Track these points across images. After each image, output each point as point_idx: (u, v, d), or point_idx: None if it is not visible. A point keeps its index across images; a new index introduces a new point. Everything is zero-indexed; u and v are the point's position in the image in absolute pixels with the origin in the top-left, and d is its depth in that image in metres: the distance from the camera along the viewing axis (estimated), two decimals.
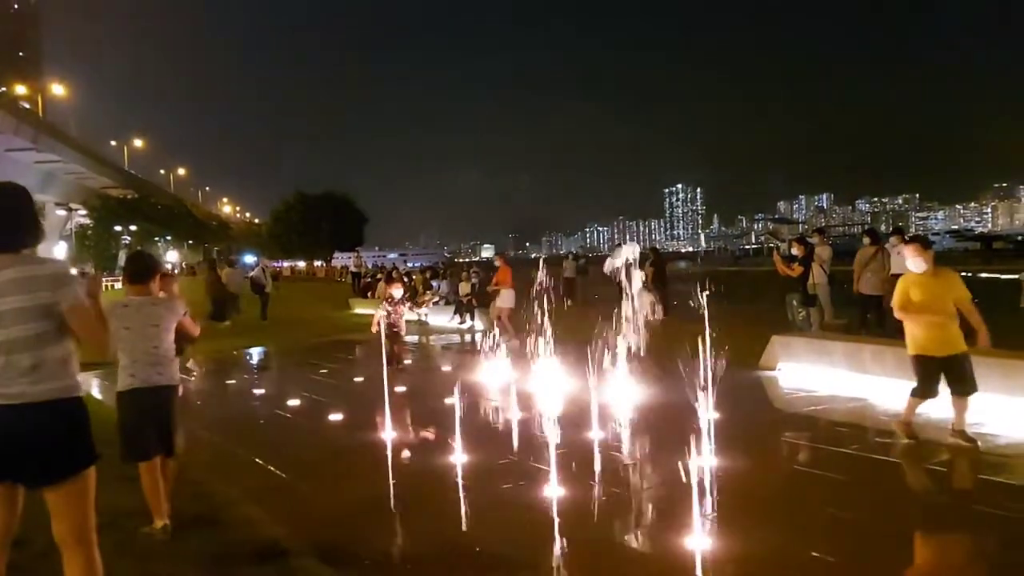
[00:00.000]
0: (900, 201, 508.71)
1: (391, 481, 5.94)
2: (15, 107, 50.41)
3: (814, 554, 4.41)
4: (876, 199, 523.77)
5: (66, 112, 73.30)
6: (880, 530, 4.82)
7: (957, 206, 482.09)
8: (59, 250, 55.55)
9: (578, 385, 8.00)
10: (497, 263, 17.78)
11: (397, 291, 11.48)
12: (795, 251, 13.11)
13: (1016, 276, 17.55)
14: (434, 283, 24.27)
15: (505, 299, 16.10)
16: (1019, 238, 56.98)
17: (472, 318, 19.47)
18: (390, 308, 11.02)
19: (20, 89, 64.61)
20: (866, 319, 12.36)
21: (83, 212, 60.10)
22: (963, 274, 7.18)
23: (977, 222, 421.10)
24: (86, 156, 61.55)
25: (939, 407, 7.71)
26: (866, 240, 12.75)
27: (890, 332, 11.36)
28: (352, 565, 4.63)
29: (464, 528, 5.10)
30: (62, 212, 60.30)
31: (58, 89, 64.62)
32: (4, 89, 61.43)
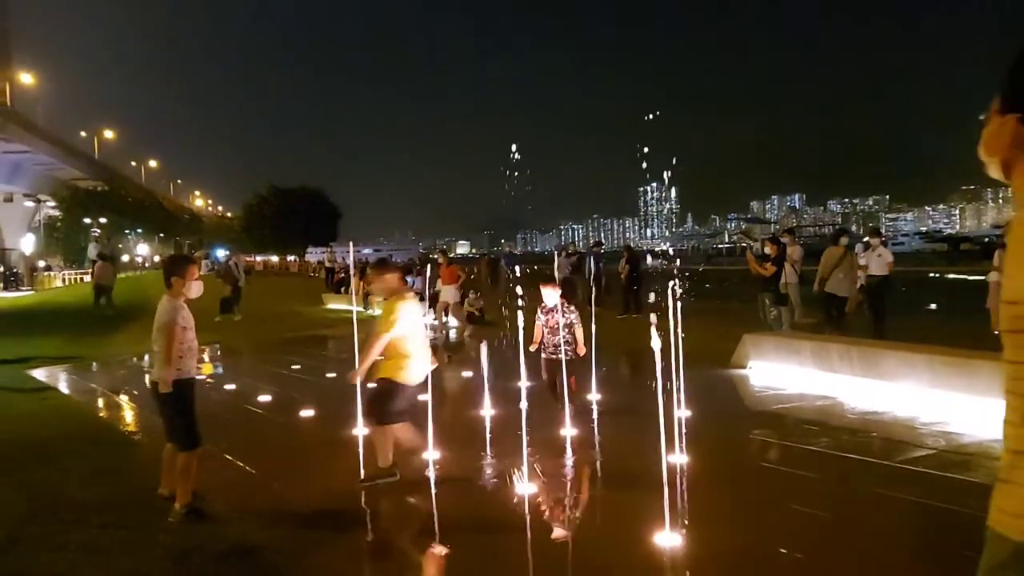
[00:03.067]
0: (871, 202, 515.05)
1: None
2: None
3: (782, 550, 4.47)
4: (847, 200, 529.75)
5: (35, 101, 72.02)
6: (847, 527, 4.90)
7: (926, 207, 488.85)
8: (27, 242, 54.62)
9: (540, 383, 8.03)
10: (440, 261, 19.36)
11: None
12: (768, 250, 13.24)
13: (983, 277, 17.84)
14: (408, 279, 24.18)
15: (448, 294, 17.75)
16: (985, 240, 57.76)
17: (447, 314, 19.43)
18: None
19: None
20: (831, 317, 12.45)
21: (52, 204, 59.15)
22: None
23: (946, 223, 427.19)
24: (55, 146, 60.60)
25: (904, 405, 7.85)
26: (843, 240, 12.72)
27: (853, 332, 11.57)
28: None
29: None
30: (30, 204, 59.29)
31: (27, 78, 63.55)
32: None
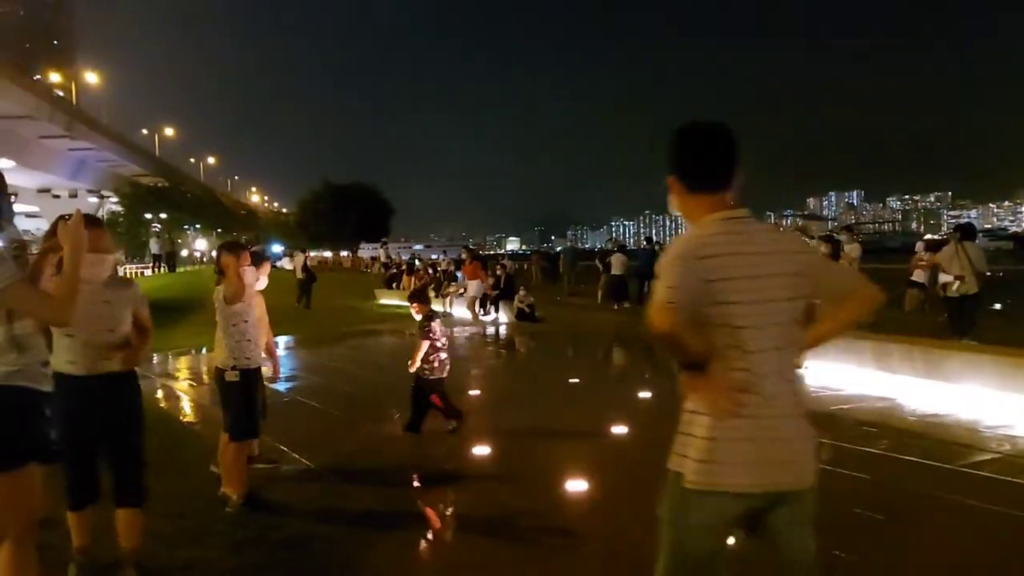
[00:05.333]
0: (932, 199, 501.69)
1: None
2: (50, 95, 51.10)
3: (837, 553, 4.38)
4: (908, 196, 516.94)
5: (99, 100, 74.17)
6: (905, 531, 4.78)
7: (991, 205, 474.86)
8: None
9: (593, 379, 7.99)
10: (464, 258, 20.26)
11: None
12: (823, 249, 12.99)
13: None
14: (459, 275, 24.31)
15: (473, 289, 19.45)
16: None
17: (496, 310, 19.51)
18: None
19: (55, 77, 65.56)
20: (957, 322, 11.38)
21: (114, 200, 60.76)
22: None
23: (1011, 221, 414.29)
24: (118, 144, 62.30)
25: (968, 407, 7.64)
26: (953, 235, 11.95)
27: (916, 332, 11.24)
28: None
29: None
30: (94, 199, 61.11)
31: (91, 77, 65.41)
32: (39, 77, 62.34)
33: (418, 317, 7.49)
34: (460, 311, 20.54)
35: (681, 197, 2.48)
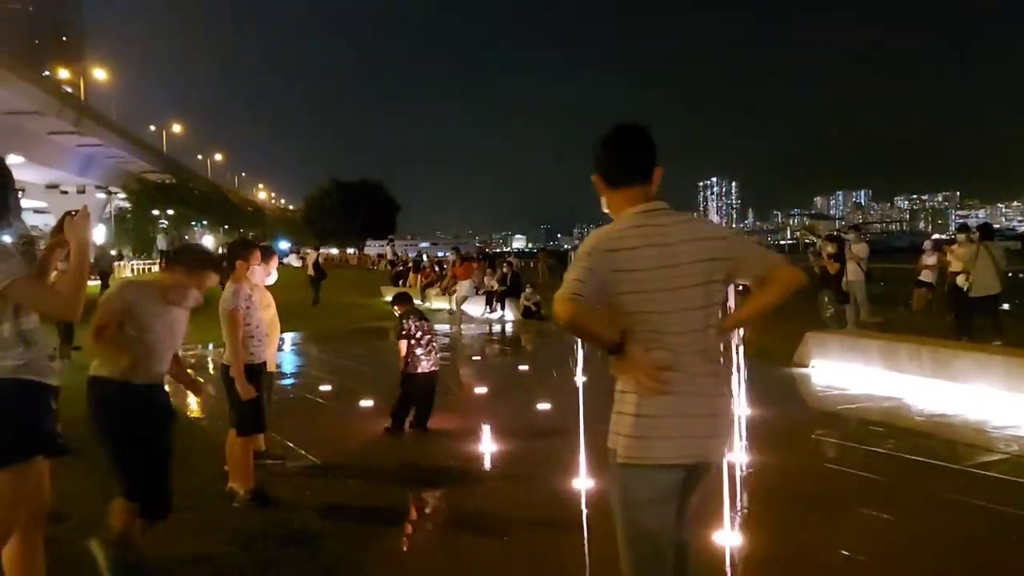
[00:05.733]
0: (940, 198, 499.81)
1: None
2: (58, 91, 51.20)
3: (844, 552, 4.37)
4: (915, 196, 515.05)
5: (107, 96, 74.28)
6: (911, 531, 4.77)
7: (999, 204, 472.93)
8: (98, 233, 56.44)
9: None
10: (452, 258, 20.02)
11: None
12: (829, 249, 12.97)
13: None
14: None
15: (463, 289, 19.27)
16: None
17: (503, 308, 19.50)
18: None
19: (63, 73, 65.67)
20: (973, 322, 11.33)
21: (122, 196, 60.95)
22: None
23: (1020, 221, 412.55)
24: (126, 140, 62.36)
25: (976, 408, 7.61)
26: (971, 236, 11.81)
27: (922, 332, 11.20)
28: None
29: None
30: (102, 195, 61.18)
31: (100, 73, 65.54)
32: (48, 73, 62.48)
33: (397, 314, 7.69)
34: (468, 308, 20.55)
35: (604, 193, 2.67)
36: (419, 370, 7.30)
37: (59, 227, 3.25)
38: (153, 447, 3.93)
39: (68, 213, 3.22)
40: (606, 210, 2.69)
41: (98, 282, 20.09)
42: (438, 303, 21.74)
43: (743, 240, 2.79)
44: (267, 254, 5.93)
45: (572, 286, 2.40)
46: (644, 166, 2.61)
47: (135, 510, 3.97)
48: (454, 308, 20.03)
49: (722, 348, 2.66)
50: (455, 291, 20.86)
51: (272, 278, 6.04)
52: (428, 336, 7.45)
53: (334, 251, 73.62)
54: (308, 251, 28.40)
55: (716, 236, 2.61)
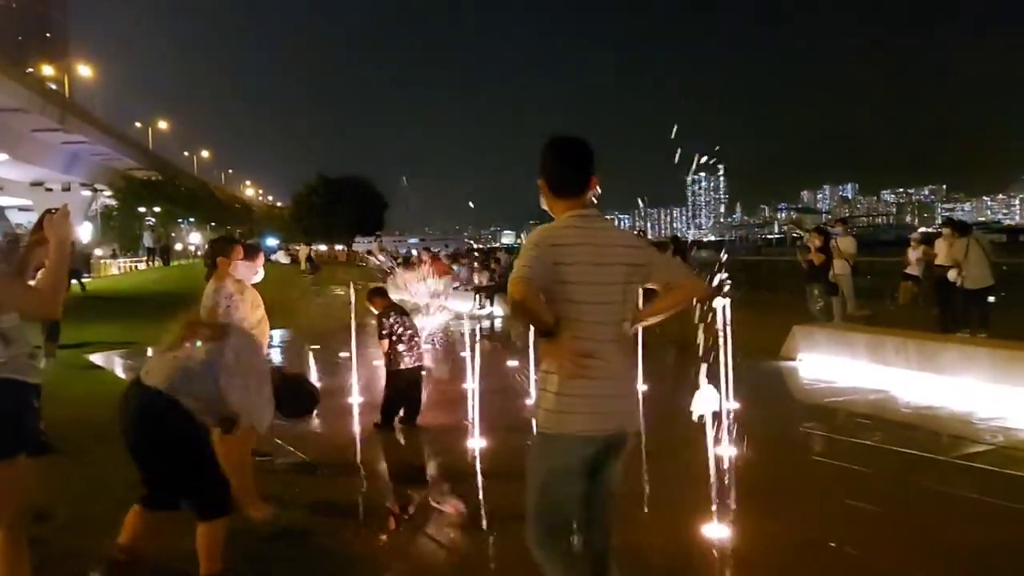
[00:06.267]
0: (926, 192, 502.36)
1: None
2: (42, 87, 50.78)
3: (832, 544, 4.40)
4: (901, 190, 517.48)
5: (92, 93, 73.75)
6: (899, 522, 4.80)
7: (984, 198, 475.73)
8: (84, 231, 56.01)
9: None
10: (425, 258, 19.48)
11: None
12: (816, 242, 13.03)
13: None
14: (455, 268, 24.27)
15: (440, 286, 18.50)
16: None
17: (492, 303, 19.49)
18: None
19: (47, 70, 65.08)
20: (971, 316, 11.41)
21: (108, 193, 60.53)
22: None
23: (1004, 214, 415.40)
24: (112, 137, 61.93)
25: (962, 400, 7.66)
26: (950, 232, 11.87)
27: (906, 325, 11.27)
28: None
29: None
30: (87, 193, 60.74)
31: (84, 70, 65.05)
32: (31, 70, 61.92)
33: (375, 312, 7.64)
34: (455, 304, 20.51)
35: (548, 198, 3.05)
36: (403, 366, 7.29)
37: (39, 225, 3.22)
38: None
39: (48, 211, 3.20)
40: (546, 208, 3.09)
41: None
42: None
43: (656, 251, 3.17)
44: (252, 251, 5.85)
45: (524, 271, 2.74)
46: (583, 180, 3.01)
47: (148, 520, 3.87)
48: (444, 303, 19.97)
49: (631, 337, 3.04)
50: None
51: (259, 276, 5.96)
52: (410, 332, 7.43)
53: (323, 247, 73.46)
54: (299, 247, 28.42)
55: (635, 245, 3.05)
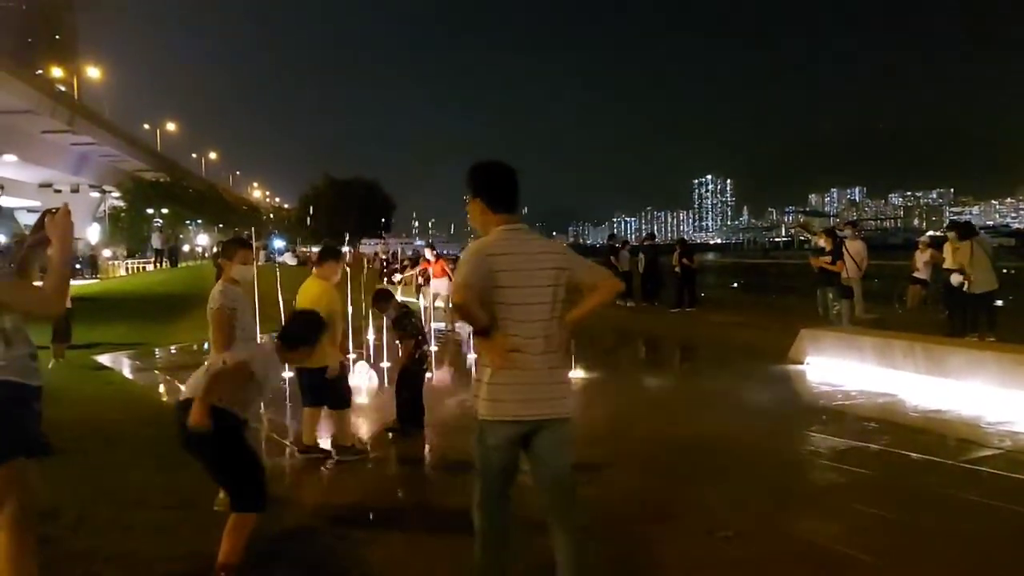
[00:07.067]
0: (934, 195, 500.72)
1: None
2: (52, 89, 50.95)
3: (840, 548, 4.38)
4: (909, 193, 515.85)
5: (101, 95, 74.02)
6: (907, 526, 4.78)
7: (993, 201, 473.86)
8: (92, 232, 56.18)
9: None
10: (430, 256, 18.68)
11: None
12: (822, 243, 13.00)
13: None
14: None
15: (439, 287, 18.45)
16: None
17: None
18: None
19: (56, 71, 65.40)
20: (974, 320, 11.30)
21: (116, 195, 60.70)
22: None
23: (1013, 217, 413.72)
24: (120, 139, 62.06)
25: (970, 404, 7.63)
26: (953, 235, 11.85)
27: (917, 329, 11.22)
28: None
29: None
30: (96, 194, 60.90)
31: (93, 72, 65.30)
32: (41, 71, 62.23)
33: (391, 314, 7.42)
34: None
35: (483, 215, 3.44)
36: (414, 367, 7.26)
37: (40, 224, 3.21)
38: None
39: (49, 211, 3.18)
40: (474, 224, 3.50)
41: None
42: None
43: (577, 256, 3.58)
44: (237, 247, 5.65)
45: (465, 279, 3.22)
46: (516, 200, 3.47)
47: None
48: (440, 305, 19.94)
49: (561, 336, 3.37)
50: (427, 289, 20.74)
51: (240, 274, 5.47)
52: (423, 334, 7.44)
53: None
54: (306, 249, 28.38)
55: (559, 252, 3.46)
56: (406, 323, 7.27)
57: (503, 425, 3.28)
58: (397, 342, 7.51)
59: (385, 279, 26.62)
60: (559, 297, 3.36)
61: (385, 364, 10.74)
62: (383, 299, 7.60)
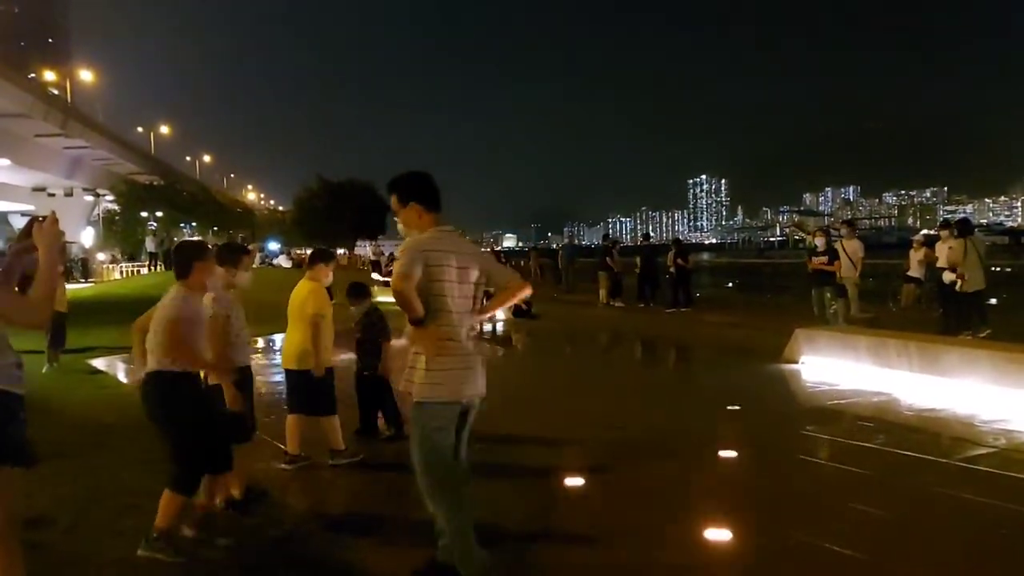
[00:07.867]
0: (928, 194, 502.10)
1: None
2: (44, 93, 50.78)
3: (835, 548, 4.38)
4: (904, 192, 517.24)
5: (94, 98, 73.75)
6: (903, 525, 4.78)
7: (986, 200, 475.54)
8: (86, 235, 56.02)
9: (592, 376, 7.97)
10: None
11: None
12: (818, 242, 13.02)
13: None
14: None
15: None
16: None
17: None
18: None
19: (49, 75, 65.11)
20: (968, 319, 11.38)
21: (110, 198, 60.53)
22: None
23: (1007, 216, 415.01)
24: (113, 142, 61.89)
25: (965, 402, 7.65)
26: (947, 233, 11.92)
27: (913, 328, 11.25)
28: None
29: None
30: (89, 198, 60.73)
31: (86, 75, 65.05)
32: (33, 75, 61.98)
33: (354, 310, 7.17)
34: None
35: (420, 217, 3.79)
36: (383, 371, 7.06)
37: (27, 231, 3.18)
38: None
39: (36, 218, 3.15)
40: (402, 225, 3.85)
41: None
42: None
43: (494, 259, 4.15)
44: (234, 254, 5.72)
45: (405, 269, 3.56)
46: (440, 201, 3.88)
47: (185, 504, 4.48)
48: None
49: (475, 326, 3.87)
50: None
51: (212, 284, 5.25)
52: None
53: None
54: (300, 252, 28.36)
55: (479, 253, 3.97)
56: (381, 325, 7.06)
57: (438, 407, 3.67)
58: (359, 342, 7.16)
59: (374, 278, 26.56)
60: (479, 293, 3.83)
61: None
62: (358, 293, 7.27)
